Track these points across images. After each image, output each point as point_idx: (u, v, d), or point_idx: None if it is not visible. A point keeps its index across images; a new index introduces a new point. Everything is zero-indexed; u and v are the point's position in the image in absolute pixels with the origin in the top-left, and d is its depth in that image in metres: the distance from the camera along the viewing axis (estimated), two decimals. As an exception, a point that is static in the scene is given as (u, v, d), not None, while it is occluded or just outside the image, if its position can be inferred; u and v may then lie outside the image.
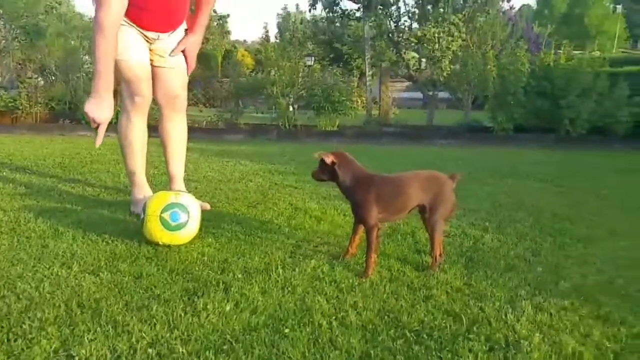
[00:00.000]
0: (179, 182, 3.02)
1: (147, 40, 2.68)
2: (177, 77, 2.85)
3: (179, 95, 2.90)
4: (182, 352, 1.38)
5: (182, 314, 1.59)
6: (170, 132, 2.96)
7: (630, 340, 1.51)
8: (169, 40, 2.76)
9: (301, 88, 8.72)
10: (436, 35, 9.49)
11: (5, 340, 1.40)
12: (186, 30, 2.85)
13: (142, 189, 2.90)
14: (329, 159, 2.02)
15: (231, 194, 3.36)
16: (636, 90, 7.55)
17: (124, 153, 2.88)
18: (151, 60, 2.75)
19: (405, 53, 10.64)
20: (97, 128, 2.36)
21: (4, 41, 8.63)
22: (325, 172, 2.07)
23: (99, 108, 2.31)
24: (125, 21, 2.52)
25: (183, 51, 2.83)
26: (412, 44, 10.66)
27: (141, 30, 2.62)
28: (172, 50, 2.77)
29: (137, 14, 2.48)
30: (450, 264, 2.11)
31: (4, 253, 2.09)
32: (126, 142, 2.83)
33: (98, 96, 2.31)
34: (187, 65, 2.89)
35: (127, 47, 2.57)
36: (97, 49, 2.29)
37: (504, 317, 1.63)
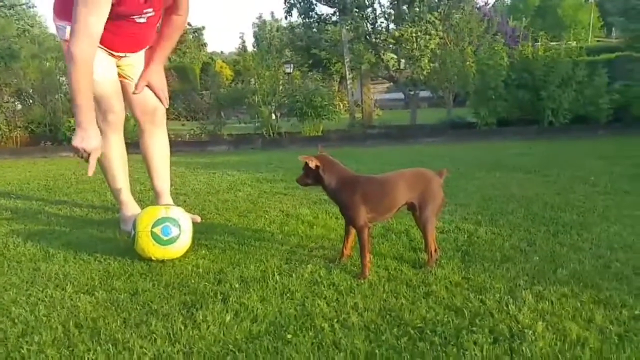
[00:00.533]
0: (166, 197, 2.98)
1: (113, 56, 2.62)
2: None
3: (157, 107, 2.84)
4: (185, 365, 1.36)
5: (182, 328, 1.57)
6: (151, 147, 2.90)
7: (633, 323, 1.52)
8: (136, 56, 2.71)
9: (282, 95, 8.72)
10: (413, 34, 9.60)
11: (4, 367, 1.37)
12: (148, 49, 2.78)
13: (129, 206, 2.85)
14: (312, 163, 2.01)
15: (221, 204, 3.33)
16: (614, 78, 7.67)
17: (106, 173, 2.82)
18: (121, 76, 2.70)
19: (384, 54, 10.72)
20: (87, 159, 2.29)
21: (-23, 67, 8.51)
22: (310, 177, 2.07)
23: (85, 140, 2.24)
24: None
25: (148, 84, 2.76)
26: (390, 45, 10.76)
27: (110, 51, 2.57)
28: (135, 87, 2.73)
29: (109, 39, 2.44)
30: (446, 259, 2.11)
31: (-5, 279, 2.05)
32: (106, 162, 2.76)
33: (82, 130, 2.24)
34: (161, 99, 2.82)
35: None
36: (74, 82, 2.22)
37: (505, 308, 1.63)
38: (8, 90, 8.06)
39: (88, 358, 1.40)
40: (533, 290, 1.76)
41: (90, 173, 2.27)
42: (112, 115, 2.67)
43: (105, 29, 2.32)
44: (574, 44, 8.53)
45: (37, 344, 1.49)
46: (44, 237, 2.62)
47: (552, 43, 8.46)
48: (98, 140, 2.28)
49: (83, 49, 2.21)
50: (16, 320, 1.65)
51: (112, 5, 2.26)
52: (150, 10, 2.47)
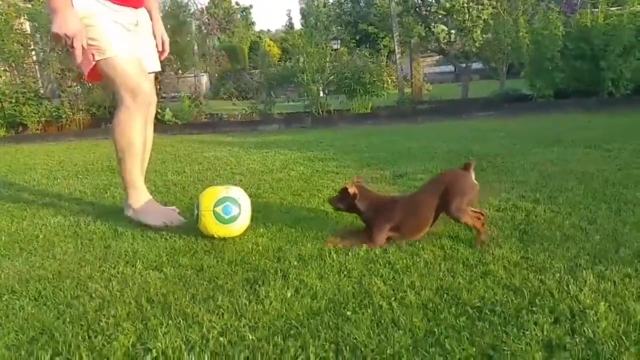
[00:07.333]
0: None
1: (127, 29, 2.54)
2: (151, 81, 2.72)
3: (152, 102, 2.70)
4: (252, 338, 1.43)
5: (247, 303, 1.65)
6: (147, 137, 2.77)
7: (702, 304, 1.47)
8: (142, 16, 2.67)
9: (331, 73, 8.68)
10: (465, 5, 9.28)
11: (87, 337, 1.48)
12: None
13: (142, 193, 2.69)
14: (352, 190, 2.12)
15: (275, 183, 3.41)
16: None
17: (122, 154, 2.60)
18: None
19: (434, 27, 10.44)
20: (71, 46, 2.06)
21: (42, 53, 8.89)
22: (345, 203, 2.20)
23: (64, 25, 2.02)
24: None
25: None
26: (441, 17, 10.46)
27: (114, 7, 2.43)
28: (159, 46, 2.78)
29: None
30: (504, 238, 2.10)
31: (71, 256, 2.20)
32: (124, 140, 2.57)
33: (58, 15, 2.02)
34: (164, 50, 2.82)
35: (112, 41, 2.40)
36: None
37: (566, 287, 1.61)
38: (71, 75, 8.42)
39: (161, 332, 1.49)
40: (594, 270, 1.73)
41: (79, 60, 2.06)
42: (142, 96, 2.55)
43: None
44: (638, 8, 7.94)
45: (113, 317, 1.60)
46: (112, 216, 2.77)
47: (612, 9, 7.96)
48: (78, 21, 2.07)
49: None
50: (93, 295, 1.78)
51: None
52: None
